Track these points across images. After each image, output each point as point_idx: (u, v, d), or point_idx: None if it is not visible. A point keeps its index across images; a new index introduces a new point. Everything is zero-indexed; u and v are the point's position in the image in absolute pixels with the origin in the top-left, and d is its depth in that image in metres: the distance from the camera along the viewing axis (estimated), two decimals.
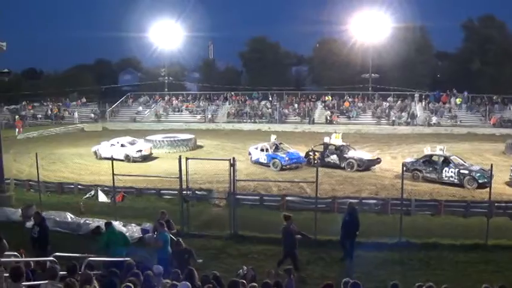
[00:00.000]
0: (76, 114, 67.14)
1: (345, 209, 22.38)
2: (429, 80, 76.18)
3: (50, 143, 48.79)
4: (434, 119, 55.82)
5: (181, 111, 67.37)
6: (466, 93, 59.91)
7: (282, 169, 33.31)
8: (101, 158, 38.12)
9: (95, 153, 39.46)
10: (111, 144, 39.21)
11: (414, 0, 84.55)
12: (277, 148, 35.61)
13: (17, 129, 55.14)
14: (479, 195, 25.74)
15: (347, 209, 17.76)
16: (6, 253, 11.50)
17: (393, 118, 57.24)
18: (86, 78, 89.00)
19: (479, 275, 15.24)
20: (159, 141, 42.70)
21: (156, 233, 15.79)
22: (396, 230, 18.42)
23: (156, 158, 39.35)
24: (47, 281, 8.75)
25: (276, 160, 33.68)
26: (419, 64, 73.60)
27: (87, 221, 21.23)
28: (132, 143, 39.41)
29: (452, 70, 77.23)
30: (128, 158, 37.51)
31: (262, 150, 35.09)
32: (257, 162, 35.04)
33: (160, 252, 14.78)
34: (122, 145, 38.81)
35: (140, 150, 38.45)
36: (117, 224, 20.14)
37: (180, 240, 14.70)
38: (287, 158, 33.78)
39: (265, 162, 34.39)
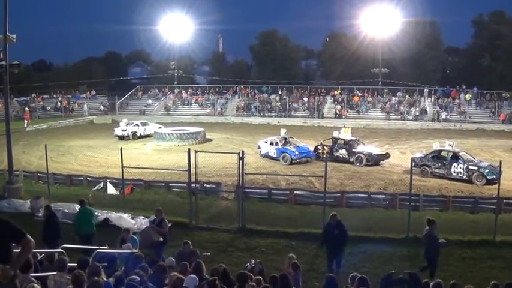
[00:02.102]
0: (85, 107, 67.23)
1: (353, 203, 22.57)
2: (439, 75, 76.04)
3: (59, 135, 48.97)
4: (443, 115, 55.67)
5: (191, 104, 67.47)
6: (475, 89, 59.70)
7: (291, 163, 33.27)
8: None
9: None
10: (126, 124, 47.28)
11: None
12: (286, 142, 35.50)
13: (25, 121, 55.45)
14: (487, 191, 25.58)
15: (331, 221, 15.27)
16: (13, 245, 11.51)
17: (405, 114, 57.01)
18: (95, 70, 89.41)
19: (486, 271, 15.24)
20: (168, 134, 42.92)
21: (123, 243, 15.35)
22: (404, 225, 18.37)
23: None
24: (55, 273, 8.79)
25: (286, 154, 33.58)
26: (429, 59, 73.49)
27: (96, 213, 21.26)
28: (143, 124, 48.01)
29: (462, 66, 77.30)
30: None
31: (271, 144, 34.99)
32: (266, 156, 34.96)
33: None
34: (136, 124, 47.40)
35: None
36: (126, 217, 20.26)
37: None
38: (297, 152, 33.66)
39: (275, 156, 34.29)
